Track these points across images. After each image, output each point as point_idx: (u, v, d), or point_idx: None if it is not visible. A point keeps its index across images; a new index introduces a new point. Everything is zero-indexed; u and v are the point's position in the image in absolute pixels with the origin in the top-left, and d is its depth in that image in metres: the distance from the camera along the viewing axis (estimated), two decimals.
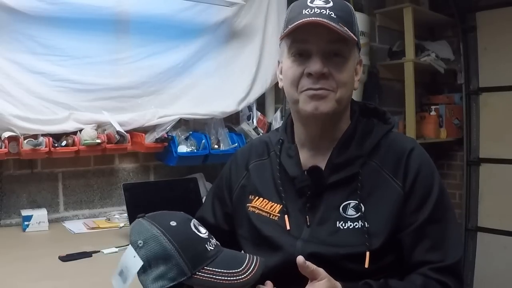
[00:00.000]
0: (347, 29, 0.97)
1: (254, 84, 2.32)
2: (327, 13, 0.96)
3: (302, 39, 0.99)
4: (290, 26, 0.98)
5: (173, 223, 0.91)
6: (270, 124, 2.39)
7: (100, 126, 1.94)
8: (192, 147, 2.10)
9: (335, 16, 0.96)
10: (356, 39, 0.99)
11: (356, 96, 2.52)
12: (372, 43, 2.91)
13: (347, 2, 1.04)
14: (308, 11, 0.98)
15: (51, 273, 1.33)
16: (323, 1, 0.99)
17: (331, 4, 0.98)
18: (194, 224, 0.94)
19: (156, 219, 0.94)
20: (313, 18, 0.95)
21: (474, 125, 3.22)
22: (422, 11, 3.03)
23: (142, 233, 0.91)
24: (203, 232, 0.94)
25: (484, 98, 3.18)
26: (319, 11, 0.97)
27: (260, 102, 2.43)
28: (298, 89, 1.01)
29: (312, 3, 0.99)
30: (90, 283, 1.27)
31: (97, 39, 1.98)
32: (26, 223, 1.76)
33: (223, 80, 2.29)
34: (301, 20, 0.96)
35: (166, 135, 2.02)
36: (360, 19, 2.63)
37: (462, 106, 3.22)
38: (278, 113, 2.37)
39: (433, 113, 3.15)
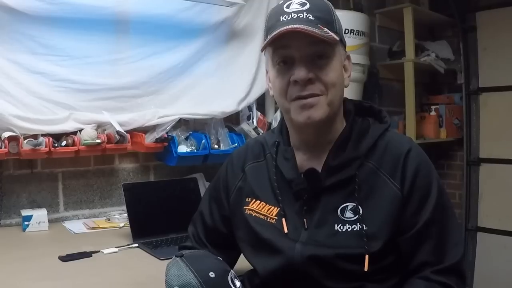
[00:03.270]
0: (327, 29, 0.96)
1: (254, 84, 2.32)
2: (304, 17, 0.96)
3: (283, 45, 0.98)
4: (269, 36, 0.98)
5: (212, 274, 0.91)
6: (270, 124, 2.39)
7: (100, 126, 1.94)
8: (192, 147, 2.10)
9: (313, 18, 0.96)
10: (337, 38, 0.98)
11: (356, 96, 2.57)
12: (372, 43, 2.91)
13: (324, 0, 1.03)
14: (285, 18, 0.97)
15: (51, 273, 1.33)
16: (299, 5, 0.98)
17: (307, 6, 0.97)
18: (231, 277, 0.94)
19: (195, 264, 0.93)
20: (290, 26, 0.94)
21: (474, 125, 3.21)
22: (422, 11, 3.04)
23: (180, 277, 0.90)
24: (237, 285, 0.94)
25: (484, 98, 3.17)
26: (296, 15, 0.97)
27: (260, 102, 2.43)
28: (288, 98, 1.01)
29: (288, 8, 0.98)
30: (90, 283, 1.27)
31: (97, 39, 1.97)
32: (26, 223, 1.76)
33: (223, 80, 2.29)
34: (278, 30, 0.95)
35: (166, 135, 2.02)
36: (360, 19, 2.63)
37: (462, 106, 3.22)
38: (278, 113, 2.37)
39: (433, 113, 3.15)
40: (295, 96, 0.99)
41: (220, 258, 1.01)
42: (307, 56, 0.97)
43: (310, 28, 0.94)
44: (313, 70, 0.97)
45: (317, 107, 0.98)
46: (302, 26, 0.94)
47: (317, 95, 0.98)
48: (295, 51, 0.98)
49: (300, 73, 0.97)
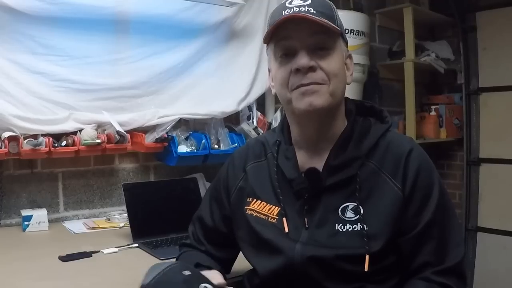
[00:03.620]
0: (328, 21, 0.98)
1: (254, 84, 2.32)
2: (306, 10, 0.98)
3: (285, 36, 1.00)
4: (271, 27, 1.00)
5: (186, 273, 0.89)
6: (270, 124, 2.38)
7: (100, 126, 1.94)
8: (192, 147, 2.10)
9: (314, 11, 0.98)
10: (338, 29, 0.99)
11: (356, 96, 2.58)
12: (372, 43, 2.91)
13: None
14: (287, 12, 0.99)
15: (51, 273, 1.33)
16: (301, 0, 1.00)
17: (309, 1, 0.99)
18: None
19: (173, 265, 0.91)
20: (291, 14, 0.97)
21: (474, 125, 3.22)
22: (422, 11, 3.04)
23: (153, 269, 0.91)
24: None
25: (484, 98, 3.18)
26: (298, 9, 0.98)
27: (260, 102, 2.43)
28: (289, 88, 1.01)
29: (290, 4, 1.00)
30: (90, 283, 1.27)
31: (97, 39, 1.97)
32: (26, 223, 1.76)
33: (223, 80, 2.29)
34: (280, 17, 0.98)
35: (166, 135, 2.02)
36: (360, 19, 2.63)
37: (462, 106, 3.22)
38: (278, 113, 2.37)
39: (433, 113, 3.15)
40: (297, 85, 0.99)
41: (189, 272, 0.92)
42: (308, 46, 0.98)
43: (311, 16, 0.96)
44: (315, 58, 0.98)
45: (319, 94, 0.98)
46: (303, 14, 0.96)
47: (319, 83, 0.98)
48: (296, 41, 0.99)
49: (301, 60, 0.98)
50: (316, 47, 0.99)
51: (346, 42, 1.06)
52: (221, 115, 2.20)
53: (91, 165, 2.05)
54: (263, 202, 1.09)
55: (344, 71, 1.04)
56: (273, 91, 1.09)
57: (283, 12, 0.99)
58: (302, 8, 0.98)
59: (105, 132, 1.93)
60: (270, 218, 1.06)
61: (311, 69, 0.98)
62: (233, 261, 1.22)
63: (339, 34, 1.02)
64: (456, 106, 3.28)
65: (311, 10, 0.98)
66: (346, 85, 1.05)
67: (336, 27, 0.99)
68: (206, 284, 0.90)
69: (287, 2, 1.01)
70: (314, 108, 0.99)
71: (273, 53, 1.04)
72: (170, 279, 0.90)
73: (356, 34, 2.58)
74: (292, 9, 0.99)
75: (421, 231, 0.97)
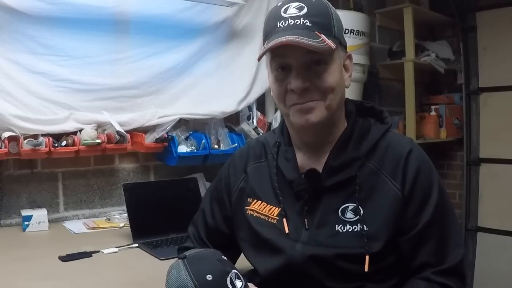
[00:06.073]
0: (325, 35, 0.95)
1: (254, 84, 2.33)
2: (301, 23, 0.95)
3: (280, 54, 0.98)
4: (265, 45, 0.97)
5: (209, 277, 0.92)
6: (270, 124, 2.39)
7: (100, 126, 1.94)
8: (192, 147, 2.10)
9: (310, 24, 0.95)
10: (333, 46, 0.95)
11: (356, 96, 2.58)
12: (372, 43, 2.91)
13: (323, 3, 1.01)
14: (282, 24, 0.96)
15: (51, 273, 1.33)
16: (296, 9, 0.97)
17: (305, 10, 0.96)
18: (231, 277, 0.95)
19: (194, 267, 0.94)
20: (285, 38, 0.93)
21: (474, 125, 3.22)
22: (422, 11, 3.04)
23: (177, 280, 0.93)
24: (238, 286, 0.94)
25: (484, 98, 3.18)
26: (293, 22, 0.96)
27: (260, 102, 2.43)
28: (286, 105, 1.01)
29: (286, 13, 0.97)
30: (90, 283, 1.28)
31: (97, 39, 1.98)
32: (26, 223, 1.76)
33: (223, 80, 2.29)
34: (274, 42, 0.94)
35: (166, 135, 2.02)
36: (360, 19, 2.63)
37: (462, 106, 3.22)
38: (278, 113, 2.37)
39: (433, 113, 3.15)
40: (293, 103, 0.99)
41: (225, 258, 1.01)
42: (303, 64, 0.97)
43: (305, 40, 0.92)
44: (310, 77, 0.97)
45: (315, 111, 0.98)
46: (297, 39, 0.92)
47: (315, 99, 0.98)
48: (292, 59, 0.97)
49: (296, 82, 0.97)
50: (312, 62, 0.97)
51: (344, 46, 1.04)
52: (221, 115, 2.20)
53: (91, 165, 2.05)
54: (263, 203, 1.09)
55: (341, 80, 1.02)
56: (272, 93, 1.09)
57: (278, 24, 0.97)
58: (297, 20, 0.95)
59: (105, 132, 1.93)
60: (270, 218, 1.06)
61: (306, 90, 0.97)
62: (235, 261, 1.21)
63: (337, 45, 0.99)
64: (456, 106, 3.28)
65: (306, 22, 0.95)
66: (346, 88, 1.05)
67: (332, 44, 0.95)
68: (237, 271, 0.97)
69: (282, 10, 0.98)
70: (310, 124, 0.99)
71: (269, 63, 1.03)
72: (207, 255, 1.00)
73: (356, 34, 2.58)
74: (287, 22, 0.96)
75: (420, 231, 0.97)
